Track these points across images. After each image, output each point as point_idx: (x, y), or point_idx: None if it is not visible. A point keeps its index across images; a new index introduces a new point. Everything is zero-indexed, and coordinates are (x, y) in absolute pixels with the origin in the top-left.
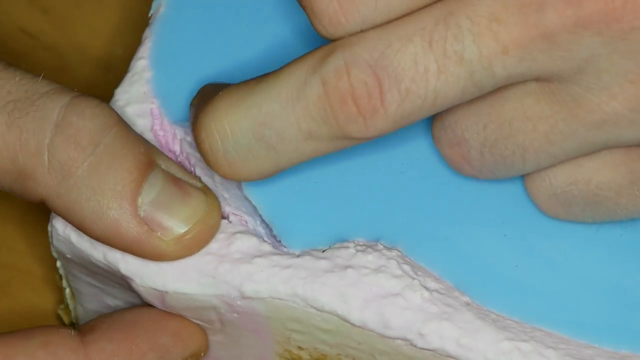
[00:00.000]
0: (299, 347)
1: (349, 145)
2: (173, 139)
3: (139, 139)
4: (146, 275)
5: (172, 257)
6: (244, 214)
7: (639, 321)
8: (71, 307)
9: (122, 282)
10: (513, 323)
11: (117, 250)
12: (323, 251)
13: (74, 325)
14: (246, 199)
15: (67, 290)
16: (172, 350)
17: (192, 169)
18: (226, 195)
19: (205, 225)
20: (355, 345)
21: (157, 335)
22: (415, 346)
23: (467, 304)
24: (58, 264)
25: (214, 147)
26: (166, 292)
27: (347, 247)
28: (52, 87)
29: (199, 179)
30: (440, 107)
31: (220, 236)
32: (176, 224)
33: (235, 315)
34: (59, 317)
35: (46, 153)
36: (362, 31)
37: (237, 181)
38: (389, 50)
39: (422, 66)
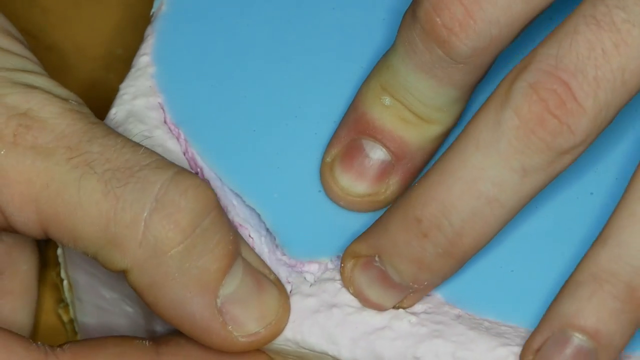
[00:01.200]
0: None
1: (565, 165)
2: (178, 137)
3: (230, 225)
4: None
5: (239, 350)
6: (251, 228)
7: None
8: (69, 300)
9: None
10: (508, 328)
11: None
12: (310, 285)
13: (72, 322)
14: (251, 208)
15: (65, 282)
16: None
17: (199, 171)
18: (235, 202)
19: (278, 327)
20: None
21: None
22: None
23: (458, 317)
24: (59, 251)
25: (443, 231)
26: None
27: (334, 280)
28: (153, 160)
29: (270, 269)
30: (631, 86)
31: None
32: (250, 321)
33: None
34: (59, 316)
35: (142, 226)
36: (497, 38)
37: (467, 255)
38: (561, 50)
39: (599, 49)
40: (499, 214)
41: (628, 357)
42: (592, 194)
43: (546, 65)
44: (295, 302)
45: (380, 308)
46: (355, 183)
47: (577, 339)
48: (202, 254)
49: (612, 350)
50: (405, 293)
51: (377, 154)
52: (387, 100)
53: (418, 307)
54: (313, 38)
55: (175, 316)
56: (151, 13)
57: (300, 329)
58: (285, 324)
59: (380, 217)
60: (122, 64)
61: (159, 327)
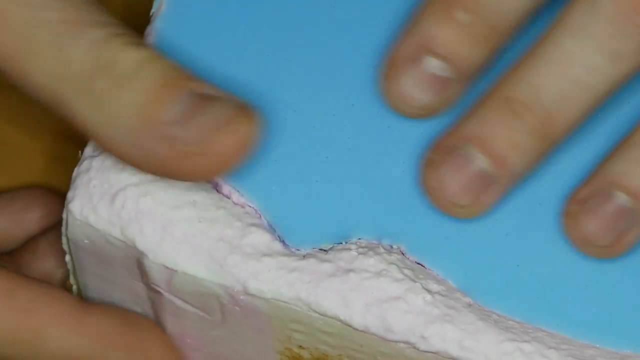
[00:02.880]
0: (300, 346)
1: None
2: None
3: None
4: (160, 251)
5: (209, 170)
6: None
7: None
8: None
9: (131, 268)
10: (515, 324)
11: (134, 225)
12: (326, 251)
13: None
14: (249, 205)
15: (75, 287)
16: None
17: None
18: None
19: (245, 140)
20: (358, 347)
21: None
22: (418, 349)
23: (469, 305)
24: (67, 258)
25: (533, 111)
26: (175, 271)
27: (349, 249)
28: (128, 33)
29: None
30: None
31: (236, 224)
32: (211, 137)
33: (237, 308)
34: None
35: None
36: None
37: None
38: None
39: None
40: (588, 98)
41: (629, 356)
42: None
43: None
44: (311, 265)
45: (458, 201)
46: (417, 91)
47: (621, 198)
48: (134, 88)
49: None
50: (487, 183)
51: (442, 71)
52: (461, 15)
53: (434, 287)
54: (312, 34)
55: (134, 154)
56: (151, 13)
57: (314, 291)
58: (250, 137)
59: (468, 109)
60: None
61: (168, 326)
